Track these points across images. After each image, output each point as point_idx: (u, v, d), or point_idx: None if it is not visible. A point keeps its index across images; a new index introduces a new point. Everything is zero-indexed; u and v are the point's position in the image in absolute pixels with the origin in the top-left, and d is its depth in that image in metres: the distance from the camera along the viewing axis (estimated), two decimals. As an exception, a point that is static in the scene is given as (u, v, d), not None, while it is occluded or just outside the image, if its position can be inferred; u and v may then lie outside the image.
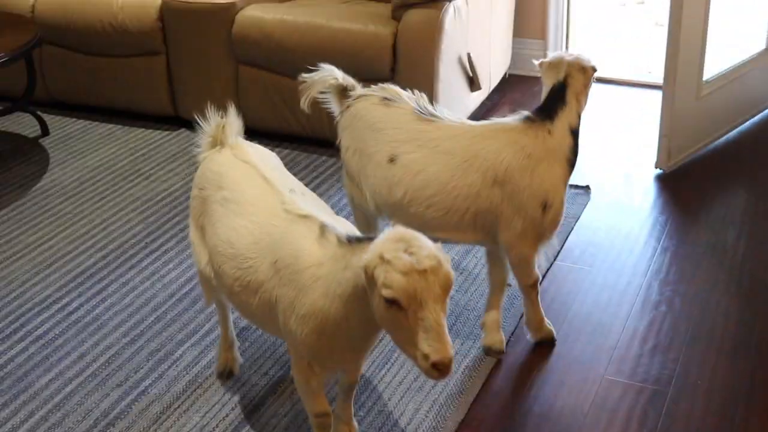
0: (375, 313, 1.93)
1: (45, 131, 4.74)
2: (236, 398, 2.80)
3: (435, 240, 2.46)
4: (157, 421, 2.73)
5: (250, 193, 2.39)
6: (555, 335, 3.00)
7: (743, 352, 2.93)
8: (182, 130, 4.64)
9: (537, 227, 2.71)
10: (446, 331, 1.88)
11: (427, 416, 2.70)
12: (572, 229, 3.65)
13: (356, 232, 2.22)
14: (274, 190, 2.35)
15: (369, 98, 2.91)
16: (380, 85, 2.99)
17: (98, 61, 4.81)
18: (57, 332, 3.14)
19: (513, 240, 2.73)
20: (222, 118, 2.60)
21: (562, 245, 3.53)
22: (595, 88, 4.38)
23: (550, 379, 2.86)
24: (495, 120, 2.83)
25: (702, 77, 4.04)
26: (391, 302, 1.85)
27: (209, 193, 2.50)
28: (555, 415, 2.71)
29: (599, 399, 2.76)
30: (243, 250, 2.29)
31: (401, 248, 1.88)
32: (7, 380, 2.93)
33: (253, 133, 3.97)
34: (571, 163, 2.77)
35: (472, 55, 4.30)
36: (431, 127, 2.78)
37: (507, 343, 3.00)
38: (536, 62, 2.88)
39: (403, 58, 4.05)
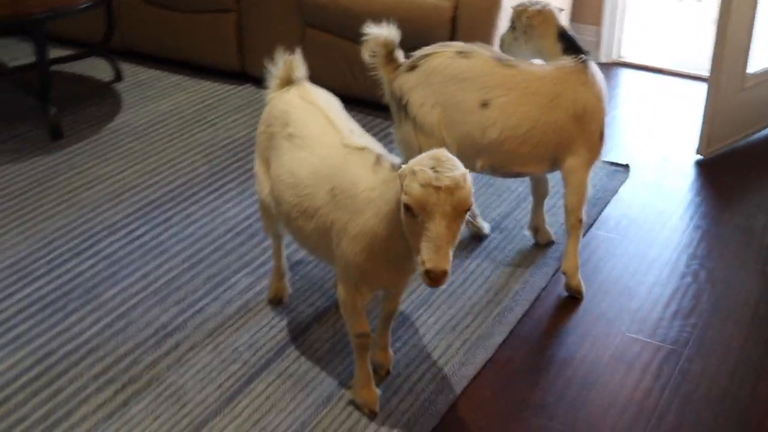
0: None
1: (119, 77, 5.02)
2: (283, 323, 3.04)
3: (515, 174, 2.71)
4: (211, 336, 2.98)
5: (313, 130, 2.62)
6: (584, 291, 3.21)
7: (759, 325, 3.11)
8: (248, 85, 4.89)
9: (595, 153, 3.14)
10: (447, 245, 2.09)
11: (457, 353, 2.92)
12: (609, 202, 3.84)
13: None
14: (335, 129, 2.59)
15: (443, 54, 3.15)
16: (430, 47, 3.22)
17: (173, 15, 5.07)
18: (123, 253, 3.41)
19: (578, 166, 3.12)
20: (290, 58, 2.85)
21: (598, 215, 3.72)
22: (644, 76, 4.59)
23: (574, 331, 3.07)
24: (561, 62, 3.10)
25: (747, 69, 4.20)
26: (407, 208, 2.10)
27: (276, 129, 2.75)
28: (576, 363, 2.92)
29: (618, 353, 2.96)
30: (303, 179, 2.53)
31: (430, 165, 2.11)
32: (77, 290, 3.20)
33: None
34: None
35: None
36: (515, 72, 3.08)
37: (537, 298, 3.22)
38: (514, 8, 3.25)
39: (462, 31, 4.26)
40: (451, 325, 3.05)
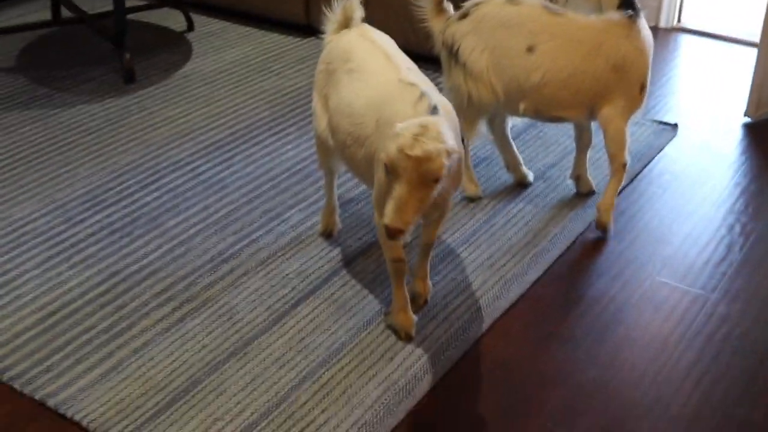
0: None
1: (190, 27, 5.27)
2: (332, 254, 3.25)
3: (555, 119, 3.12)
4: (263, 263, 3.21)
5: (372, 66, 2.80)
6: (610, 230, 3.41)
7: (788, 275, 3.23)
8: (312, 38, 5.08)
9: (634, 104, 3.28)
10: (409, 209, 2.27)
11: (492, 288, 3.10)
12: (653, 158, 3.96)
13: (447, 104, 2.64)
14: (393, 65, 2.76)
15: (493, 2, 3.32)
16: None
17: (244, -32, 5.29)
18: (186, 188, 3.65)
19: (614, 115, 3.27)
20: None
21: (642, 170, 3.85)
22: (702, 42, 4.66)
23: (607, 273, 3.23)
24: (609, 15, 3.26)
25: (800, 34, 4.27)
26: (384, 165, 2.33)
27: (336, 66, 2.93)
28: (605, 302, 3.08)
29: (647, 295, 3.11)
30: (358, 109, 2.73)
31: (415, 131, 2.27)
32: (142, 219, 3.45)
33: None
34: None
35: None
36: (562, 20, 3.25)
37: (574, 242, 3.38)
38: None
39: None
40: (489, 263, 3.23)
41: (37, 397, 2.64)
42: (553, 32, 3.23)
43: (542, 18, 3.26)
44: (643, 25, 3.29)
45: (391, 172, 2.31)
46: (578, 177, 3.62)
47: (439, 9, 3.41)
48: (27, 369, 2.73)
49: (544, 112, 3.33)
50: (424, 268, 2.97)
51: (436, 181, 2.30)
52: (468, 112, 3.40)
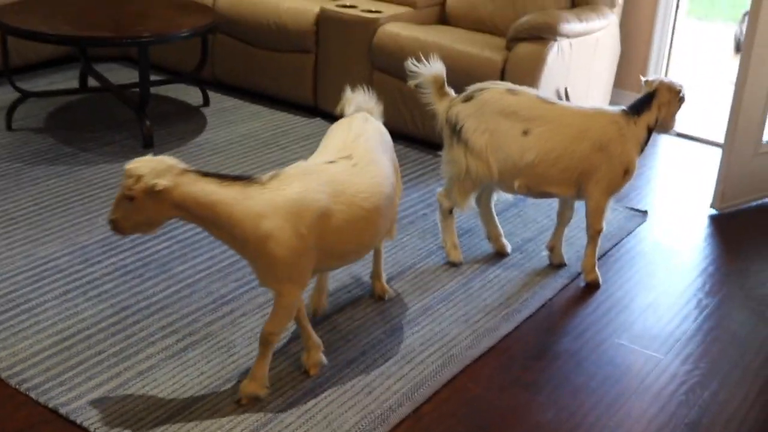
0: None
1: (206, 102, 5.71)
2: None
3: (545, 195, 3.68)
4: (261, 307, 3.55)
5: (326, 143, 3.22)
6: (600, 282, 3.86)
7: (737, 345, 3.56)
8: (318, 118, 5.52)
9: (616, 185, 3.71)
10: (113, 207, 2.76)
11: (465, 339, 3.43)
12: (623, 239, 4.32)
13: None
14: (324, 148, 3.16)
15: (495, 89, 3.77)
16: (483, 83, 3.85)
17: (259, 52, 5.76)
18: (195, 239, 4.01)
19: (597, 192, 3.70)
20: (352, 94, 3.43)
21: (612, 248, 4.21)
22: (669, 139, 5.06)
23: (570, 332, 3.56)
24: (599, 106, 3.73)
25: (762, 138, 4.68)
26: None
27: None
28: (566, 357, 3.41)
29: (606, 353, 3.44)
30: None
31: (145, 159, 2.75)
32: (153, 263, 3.81)
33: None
34: (642, 149, 3.74)
35: (569, 90, 5.04)
36: (553, 108, 3.73)
37: (543, 305, 3.72)
38: (642, 78, 3.84)
39: (509, 82, 4.82)
40: (465, 318, 3.57)
41: (50, 406, 2.96)
42: (546, 118, 3.67)
43: (537, 106, 3.71)
44: (640, 123, 3.70)
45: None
46: (552, 248, 3.98)
47: (442, 92, 3.84)
48: (43, 382, 3.06)
49: (536, 189, 3.73)
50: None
51: (127, 197, 2.70)
52: (464, 184, 3.79)
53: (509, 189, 3.81)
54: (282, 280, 2.87)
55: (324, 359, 3.19)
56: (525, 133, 3.67)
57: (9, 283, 3.61)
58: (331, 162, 3.03)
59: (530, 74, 4.77)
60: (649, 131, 3.74)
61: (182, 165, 2.77)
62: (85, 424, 2.88)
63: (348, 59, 5.38)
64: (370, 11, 5.34)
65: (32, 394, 3.00)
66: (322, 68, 5.53)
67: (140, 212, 2.73)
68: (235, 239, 2.82)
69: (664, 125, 3.79)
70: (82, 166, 4.70)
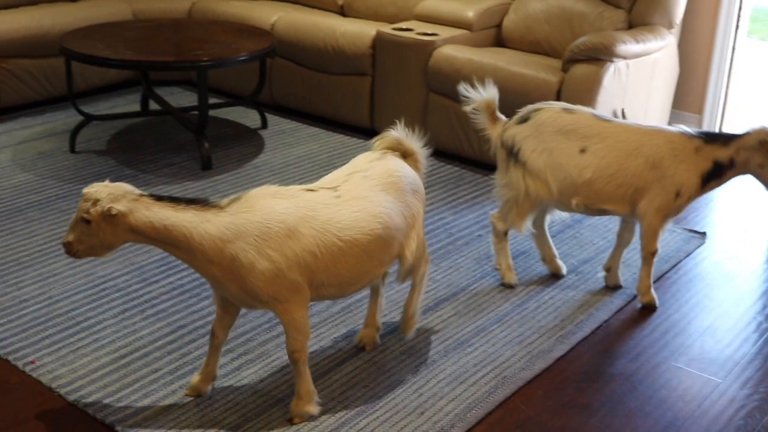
0: None
1: (264, 125, 5.78)
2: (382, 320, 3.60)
3: (602, 212, 3.63)
4: (315, 327, 3.57)
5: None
6: (657, 304, 3.82)
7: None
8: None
9: (668, 206, 3.64)
10: (69, 229, 2.81)
11: (519, 361, 3.42)
12: (681, 260, 4.27)
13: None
14: (321, 182, 3.14)
15: (551, 109, 3.78)
16: (537, 104, 3.86)
17: (316, 75, 5.82)
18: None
19: (650, 212, 3.66)
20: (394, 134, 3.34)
21: (669, 270, 4.16)
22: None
23: (625, 355, 3.52)
24: (659, 125, 3.70)
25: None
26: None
27: None
28: (621, 380, 3.37)
29: (663, 376, 3.40)
30: None
31: (104, 184, 2.82)
32: (208, 284, 3.85)
33: (432, 151, 4.94)
34: (704, 180, 3.65)
35: (626, 111, 5.01)
36: (609, 125, 3.72)
37: (598, 327, 3.69)
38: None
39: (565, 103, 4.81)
40: (519, 340, 3.55)
41: (107, 422, 3.01)
42: (602, 135, 3.67)
43: (594, 124, 3.71)
44: (705, 151, 3.61)
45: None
46: (609, 269, 3.95)
47: (494, 118, 3.86)
48: (100, 399, 3.11)
49: (593, 206, 3.72)
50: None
51: (84, 220, 2.76)
52: (522, 206, 3.79)
53: (567, 207, 3.80)
54: (267, 302, 2.89)
55: (313, 411, 3.08)
56: (582, 150, 3.67)
57: (69, 302, 3.68)
58: (310, 190, 3.01)
59: (586, 95, 4.75)
60: (718, 167, 3.62)
61: (138, 191, 2.82)
62: (141, 440, 2.92)
63: (404, 82, 5.41)
64: (426, 34, 5.37)
65: (90, 411, 3.06)
66: (379, 91, 5.56)
67: (95, 236, 2.78)
68: (197, 260, 2.83)
69: (756, 175, 3.66)
70: (143, 187, 4.69)
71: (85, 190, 2.79)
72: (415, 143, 3.36)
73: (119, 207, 2.74)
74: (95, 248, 2.83)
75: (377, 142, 3.36)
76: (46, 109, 5.94)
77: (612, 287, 3.95)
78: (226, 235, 2.79)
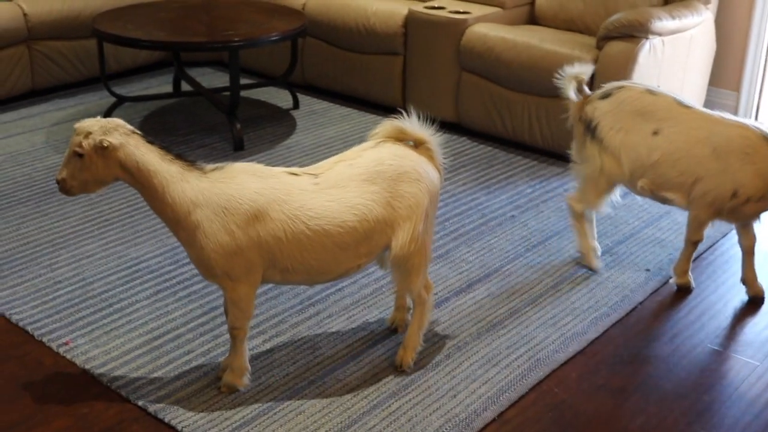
0: None
1: (296, 105, 5.76)
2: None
3: (664, 199, 3.56)
4: (347, 309, 3.58)
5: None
6: (692, 286, 3.78)
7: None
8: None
9: (721, 202, 3.53)
10: (62, 165, 2.83)
11: (553, 343, 3.39)
12: (718, 240, 4.21)
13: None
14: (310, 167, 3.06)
15: (634, 89, 3.72)
16: (620, 82, 3.86)
17: (348, 55, 5.79)
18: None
19: (700, 203, 3.56)
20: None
21: (706, 250, 4.10)
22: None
23: (660, 337, 3.48)
24: (738, 118, 3.64)
25: None
26: None
27: None
28: (657, 362, 3.33)
29: (698, 358, 3.36)
30: None
31: (97, 119, 2.85)
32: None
33: (464, 131, 4.90)
34: None
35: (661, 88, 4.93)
36: (687, 111, 3.62)
37: (633, 310, 3.64)
38: None
39: (599, 81, 4.74)
40: (552, 322, 3.52)
41: (140, 404, 3.02)
42: (678, 120, 3.59)
43: (673, 108, 3.63)
44: None
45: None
46: (745, 281, 3.78)
47: (579, 88, 3.79)
48: (134, 380, 3.12)
49: (656, 191, 3.64)
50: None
51: (77, 154, 2.78)
52: (598, 183, 3.75)
53: (634, 189, 3.74)
54: (219, 275, 2.88)
55: (241, 386, 3.09)
56: (655, 133, 3.60)
57: (103, 283, 3.70)
58: (293, 173, 2.97)
59: (621, 73, 4.68)
60: None
61: (130, 127, 2.84)
62: (173, 422, 2.93)
63: (436, 61, 5.36)
64: (459, 12, 5.31)
65: (123, 392, 3.07)
66: (411, 70, 5.52)
67: (88, 170, 2.80)
68: (168, 218, 2.86)
69: None
70: (175, 168, 4.78)
71: (77, 125, 2.81)
72: (424, 131, 3.14)
73: (111, 139, 2.76)
74: (88, 184, 2.85)
75: (375, 131, 3.21)
76: (79, 91, 5.96)
77: (754, 300, 3.75)
78: (198, 200, 2.81)
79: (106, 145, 2.75)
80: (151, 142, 2.84)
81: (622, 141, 3.65)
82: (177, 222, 2.84)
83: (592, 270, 3.86)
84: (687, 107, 3.63)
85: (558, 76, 3.82)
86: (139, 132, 2.85)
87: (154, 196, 2.83)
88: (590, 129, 3.72)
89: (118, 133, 2.79)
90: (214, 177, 2.85)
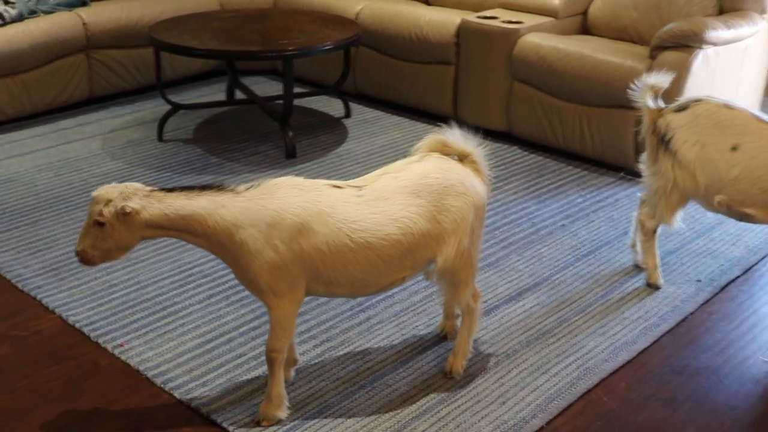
0: None
1: (348, 114, 5.82)
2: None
3: (744, 216, 3.47)
4: (397, 315, 3.59)
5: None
6: None
7: None
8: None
9: None
10: (81, 236, 2.80)
11: (602, 352, 3.38)
12: (771, 253, 4.17)
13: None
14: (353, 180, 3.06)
15: (711, 102, 3.66)
16: (697, 95, 3.80)
17: (400, 64, 5.83)
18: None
19: None
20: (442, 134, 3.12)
21: (758, 262, 4.07)
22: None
23: (711, 348, 3.46)
24: None
25: None
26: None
27: None
28: (707, 373, 3.31)
29: (750, 371, 3.32)
30: None
31: (113, 185, 2.81)
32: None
33: (515, 140, 4.92)
34: None
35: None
36: None
37: (683, 320, 3.62)
38: None
39: (652, 91, 4.73)
40: (602, 331, 3.51)
41: (192, 405, 3.07)
42: (758, 135, 3.52)
43: (752, 123, 3.57)
44: None
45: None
46: None
47: (653, 101, 3.73)
48: (186, 382, 3.18)
49: (735, 207, 3.56)
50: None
51: (97, 223, 2.74)
52: (671, 198, 3.69)
53: (710, 206, 3.66)
54: (264, 292, 2.84)
55: (281, 415, 3.01)
56: (734, 148, 3.53)
57: (156, 287, 3.77)
58: (336, 186, 2.94)
59: (674, 83, 4.60)
60: None
61: (148, 188, 2.81)
62: (225, 424, 2.98)
63: (488, 70, 5.38)
64: (511, 22, 5.33)
65: (176, 394, 3.12)
66: (463, 79, 5.54)
67: (111, 238, 2.76)
68: (212, 245, 2.82)
69: None
70: (228, 175, 4.87)
71: (95, 193, 2.77)
72: (468, 144, 3.11)
73: (132, 204, 2.72)
74: (111, 251, 2.80)
75: (418, 145, 3.16)
76: (135, 99, 6.07)
77: None
78: (240, 221, 2.76)
79: (128, 210, 2.72)
80: (171, 190, 2.81)
81: (698, 155, 3.59)
82: (222, 247, 2.80)
83: (656, 287, 3.82)
84: (766, 122, 3.56)
85: (633, 86, 3.77)
86: (156, 188, 2.83)
87: (195, 234, 2.79)
88: (664, 142, 3.67)
89: (138, 197, 2.75)
90: (251, 195, 2.81)
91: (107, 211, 2.73)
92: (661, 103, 3.74)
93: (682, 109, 3.66)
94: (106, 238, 2.76)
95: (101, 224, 2.74)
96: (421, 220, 2.93)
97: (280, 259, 2.78)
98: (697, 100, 3.67)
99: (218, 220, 2.76)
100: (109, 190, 2.76)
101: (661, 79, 3.72)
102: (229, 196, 2.81)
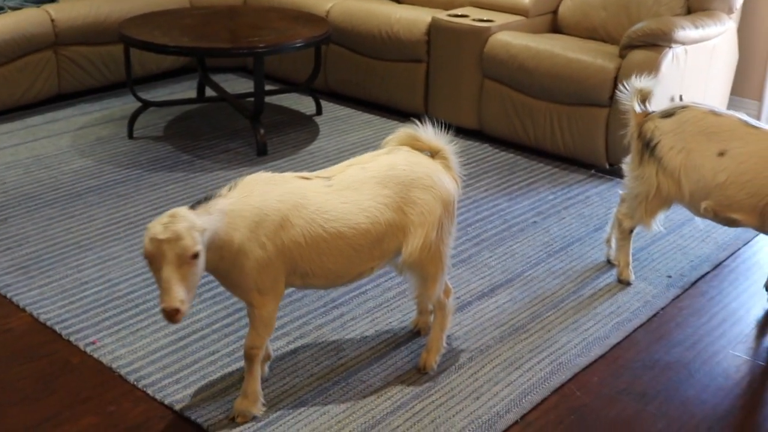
0: None
1: (318, 111, 5.81)
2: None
3: (730, 221, 3.42)
4: (370, 311, 3.60)
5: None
6: None
7: None
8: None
9: None
10: (173, 287, 2.48)
11: (575, 347, 3.41)
12: (739, 249, 4.21)
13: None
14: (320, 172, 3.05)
15: (698, 109, 3.65)
16: (681, 101, 3.86)
17: (371, 62, 5.83)
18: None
19: None
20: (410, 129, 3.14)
21: (727, 258, 4.12)
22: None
23: (682, 343, 3.49)
24: None
25: None
26: (145, 258, 2.55)
27: None
28: (678, 368, 3.34)
29: (720, 365, 3.36)
30: None
31: (163, 221, 2.51)
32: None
33: (486, 138, 4.94)
34: None
35: (684, 97, 4.95)
36: (756, 132, 3.54)
37: (655, 315, 3.66)
38: None
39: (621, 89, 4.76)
40: (574, 327, 3.54)
41: (166, 402, 3.06)
42: (745, 140, 3.52)
43: (739, 129, 3.56)
44: None
45: (150, 263, 2.52)
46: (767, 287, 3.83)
47: (641, 106, 3.73)
48: (160, 379, 3.16)
49: (722, 213, 3.55)
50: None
51: (191, 256, 2.51)
52: (652, 203, 3.70)
53: (696, 211, 3.66)
54: (250, 290, 2.80)
55: (256, 412, 2.98)
56: (721, 154, 3.53)
57: (128, 284, 3.75)
58: (305, 178, 2.94)
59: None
60: None
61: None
62: (199, 420, 2.97)
63: (459, 68, 5.40)
64: (482, 20, 5.35)
65: (149, 391, 3.11)
66: (434, 77, 5.56)
67: (200, 267, 2.59)
68: (215, 257, 2.69)
69: None
70: (199, 173, 4.85)
71: (167, 235, 2.48)
72: (439, 140, 3.12)
73: (200, 222, 2.58)
74: (194, 288, 2.61)
75: (389, 138, 3.19)
76: (105, 96, 6.03)
77: None
78: (235, 224, 2.70)
79: (205, 227, 2.58)
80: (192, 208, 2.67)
81: (683, 162, 3.59)
82: (221, 258, 2.70)
83: (627, 283, 3.85)
84: (754, 127, 3.56)
85: (622, 90, 3.77)
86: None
87: (210, 249, 2.64)
88: (649, 147, 3.67)
89: (187, 219, 2.56)
90: (234, 196, 2.75)
91: (198, 237, 2.53)
92: (648, 108, 3.73)
93: (668, 115, 3.66)
94: (199, 270, 2.58)
95: (196, 256, 2.53)
96: (388, 211, 2.94)
97: (267, 255, 2.76)
98: (684, 107, 3.67)
99: (223, 228, 2.68)
100: (169, 222, 2.52)
101: (649, 84, 3.73)
102: (220, 202, 2.71)
